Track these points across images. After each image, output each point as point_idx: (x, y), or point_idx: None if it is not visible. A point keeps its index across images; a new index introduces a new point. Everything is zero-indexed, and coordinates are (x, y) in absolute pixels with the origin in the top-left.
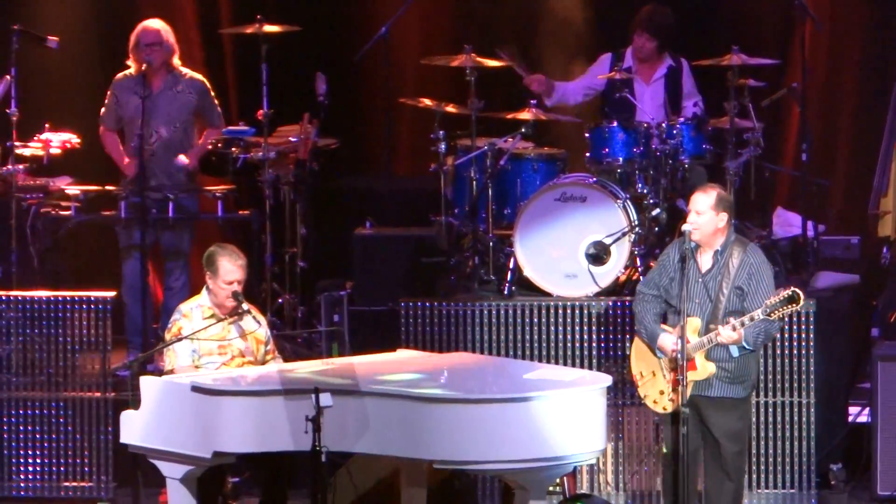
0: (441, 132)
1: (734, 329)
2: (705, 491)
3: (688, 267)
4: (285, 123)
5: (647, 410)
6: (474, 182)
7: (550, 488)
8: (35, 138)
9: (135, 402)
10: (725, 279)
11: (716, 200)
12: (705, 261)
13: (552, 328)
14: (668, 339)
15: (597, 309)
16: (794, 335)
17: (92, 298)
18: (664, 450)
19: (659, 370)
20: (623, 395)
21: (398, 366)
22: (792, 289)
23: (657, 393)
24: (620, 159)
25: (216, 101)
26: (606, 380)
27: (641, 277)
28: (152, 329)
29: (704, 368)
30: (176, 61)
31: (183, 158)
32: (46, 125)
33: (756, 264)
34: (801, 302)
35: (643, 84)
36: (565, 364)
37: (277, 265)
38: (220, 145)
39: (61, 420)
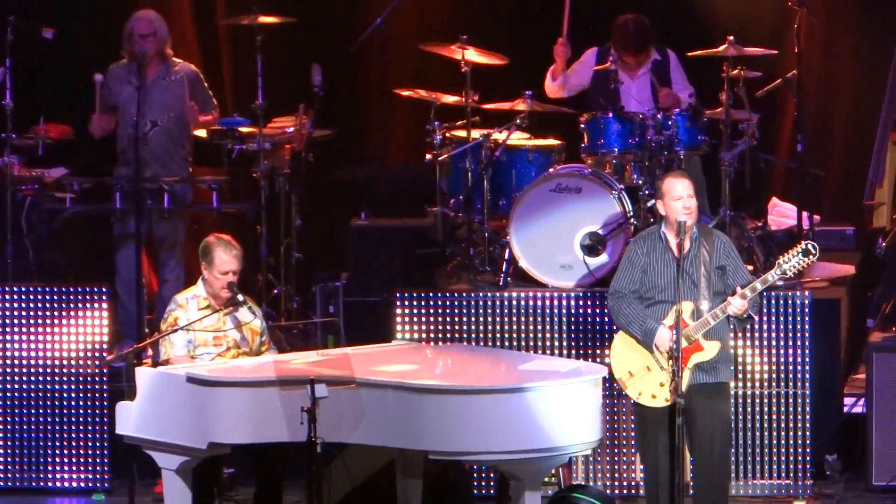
0: (436, 123)
1: (744, 297)
2: (696, 485)
3: (659, 255)
4: (281, 114)
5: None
6: (469, 173)
7: (546, 479)
8: (31, 131)
9: (130, 393)
10: (703, 261)
11: (694, 184)
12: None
13: (547, 319)
14: (666, 332)
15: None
16: (790, 326)
17: (87, 290)
18: (660, 444)
19: (654, 363)
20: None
21: (393, 357)
22: (804, 242)
23: (656, 386)
24: (616, 150)
25: (209, 90)
26: (602, 371)
27: None
28: (146, 320)
29: (711, 347)
30: (169, 51)
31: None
32: (42, 119)
33: (727, 242)
34: (817, 254)
35: (629, 79)
36: (560, 355)
37: (273, 256)
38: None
39: (56, 411)
